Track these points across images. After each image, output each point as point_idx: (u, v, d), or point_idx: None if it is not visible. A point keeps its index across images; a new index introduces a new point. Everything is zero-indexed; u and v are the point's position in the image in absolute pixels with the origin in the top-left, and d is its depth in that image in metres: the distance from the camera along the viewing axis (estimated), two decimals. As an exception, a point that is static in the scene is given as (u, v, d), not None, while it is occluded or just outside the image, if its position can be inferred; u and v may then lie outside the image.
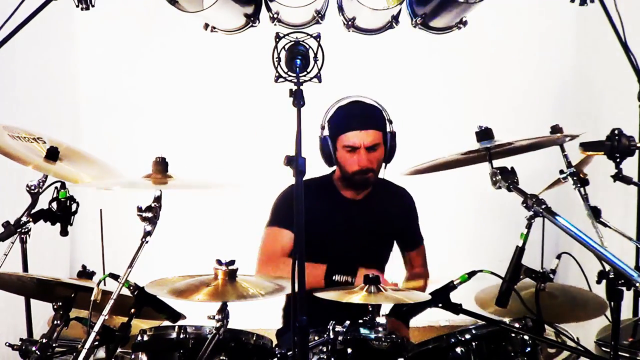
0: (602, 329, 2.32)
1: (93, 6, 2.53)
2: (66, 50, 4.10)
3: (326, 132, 2.70)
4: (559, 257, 2.17)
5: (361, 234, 2.77)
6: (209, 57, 4.11)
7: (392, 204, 2.87)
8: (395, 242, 2.92)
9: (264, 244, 2.74)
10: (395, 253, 2.96)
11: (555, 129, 2.32)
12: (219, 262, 2.06)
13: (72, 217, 2.30)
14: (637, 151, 2.29)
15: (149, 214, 1.91)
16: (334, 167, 2.80)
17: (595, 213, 2.29)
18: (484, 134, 2.15)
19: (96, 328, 1.86)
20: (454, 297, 2.19)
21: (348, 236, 2.75)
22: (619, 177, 2.30)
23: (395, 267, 2.94)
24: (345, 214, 2.78)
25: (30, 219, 2.24)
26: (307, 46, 2.05)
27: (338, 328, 2.06)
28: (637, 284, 1.74)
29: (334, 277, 2.55)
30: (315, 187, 2.64)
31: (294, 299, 1.76)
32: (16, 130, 2.38)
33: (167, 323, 2.20)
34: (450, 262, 3.22)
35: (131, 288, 2.03)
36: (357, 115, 2.68)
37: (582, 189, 2.29)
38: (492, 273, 2.15)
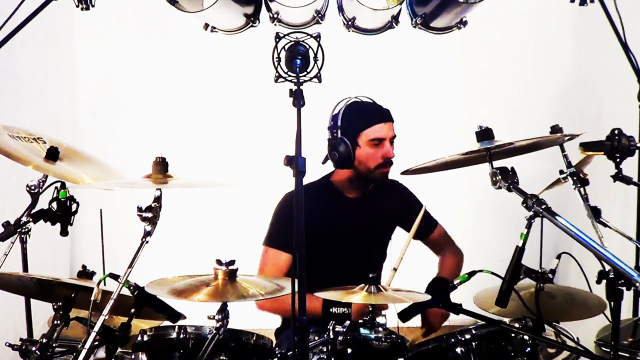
0: (602, 329, 2.32)
1: (93, 6, 2.53)
2: (66, 50, 4.11)
3: (339, 132, 2.59)
4: (558, 257, 2.16)
5: (365, 231, 2.75)
6: (209, 57, 4.12)
7: (393, 196, 2.85)
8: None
9: (262, 268, 2.68)
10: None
11: (555, 129, 2.33)
12: (219, 262, 2.05)
13: (72, 217, 2.30)
14: (637, 151, 2.29)
15: (149, 214, 1.91)
16: (331, 170, 2.76)
17: (595, 213, 2.29)
18: (484, 134, 2.14)
19: (96, 328, 1.86)
20: (454, 297, 2.19)
21: (350, 236, 2.73)
22: (619, 177, 2.30)
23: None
24: (348, 213, 2.76)
25: (30, 219, 2.25)
26: (307, 46, 2.05)
27: (338, 328, 2.06)
28: (637, 284, 1.74)
29: (331, 310, 2.47)
30: (314, 190, 2.62)
31: (293, 299, 1.76)
32: (16, 130, 2.38)
33: (167, 323, 2.20)
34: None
35: (131, 288, 2.02)
36: (377, 109, 2.68)
37: (582, 189, 2.29)
38: (492, 273, 2.14)
